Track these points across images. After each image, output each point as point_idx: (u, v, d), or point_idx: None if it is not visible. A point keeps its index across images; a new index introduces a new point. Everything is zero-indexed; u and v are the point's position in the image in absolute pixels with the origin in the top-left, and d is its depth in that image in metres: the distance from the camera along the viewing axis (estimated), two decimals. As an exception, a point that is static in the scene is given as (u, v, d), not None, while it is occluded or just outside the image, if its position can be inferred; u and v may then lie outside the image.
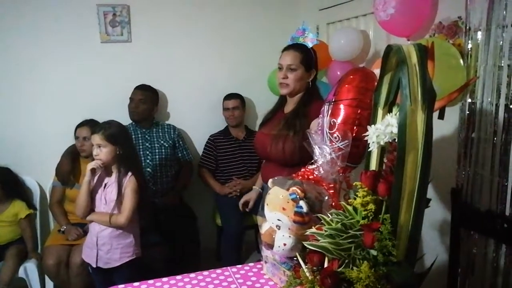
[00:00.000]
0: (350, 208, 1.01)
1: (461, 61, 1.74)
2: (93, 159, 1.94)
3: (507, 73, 1.59)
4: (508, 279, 1.63)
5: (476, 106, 1.74)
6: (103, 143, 1.90)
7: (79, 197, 1.94)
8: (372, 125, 1.05)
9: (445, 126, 1.87)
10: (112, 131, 1.92)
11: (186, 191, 2.94)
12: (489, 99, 1.68)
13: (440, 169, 1.92)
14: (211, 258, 2.92)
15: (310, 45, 1.87)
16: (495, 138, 1.66)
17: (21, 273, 2.37)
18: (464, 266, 1.80)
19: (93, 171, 1.92)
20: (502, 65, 1.61)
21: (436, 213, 1.95)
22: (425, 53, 0.88)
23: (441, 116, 1.87)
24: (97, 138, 1.90)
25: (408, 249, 0.90)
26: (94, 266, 1.98)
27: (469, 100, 1.76)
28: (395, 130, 0.92)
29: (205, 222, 3.01)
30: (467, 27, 1.73)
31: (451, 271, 1.78)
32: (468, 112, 1.77)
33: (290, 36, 1.92)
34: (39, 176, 2.72)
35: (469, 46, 1.73)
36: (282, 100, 2.01)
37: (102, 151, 1.90)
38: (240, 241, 2.66)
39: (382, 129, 0.96)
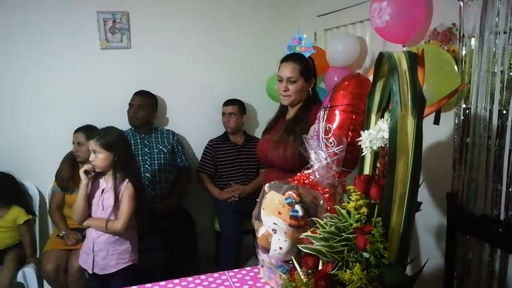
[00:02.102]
0: (343, 211, 1.03)
1: (455, 67, 1.76)
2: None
3: (500, 79, 1.61)
4: (504, 284, 1.64)
5: (470, 112, 1.76)
6: (98, 149, 1.92)
7: (76, 202, 1.96)
8: (366, 130, 1.08)
9: (441, 131, 1.89)
10: (108, 138, 1.94)
11: (184, 196, 2.95)
12: (483, 105, 1.70)
13: (436, 173, 1.94)
14: (210, 263, 2.93)
15: (307, 54, 1.90)
16: (489, 143, 1.68)
17: (19, 277, 2.38)
18: (460, 270, 1.81)
19: (87, 173, 1.94)
20: (495, 71, 1.63)
21: (432, 217, 1.96)
22: (415, 60, 0.90)
23: (436, 121, 1.91)
24: (92, 144, 1.93)
25: (399, 252, 0.92)
26: (90, 272, 1.99)
27: (464, 106, 1.78)
28: (386, 135, 0.94)
29: (204, 227, 3.02)
30: (461, 34, 1.75)
31: (447, 275, 1.79)
32: (462, 118, 1.79)
33: (287, 45, 1.95)
34: (39, 181, 2.74)
35: (463, 52, 1.76)
36: (284, 108, 2.04)
37: (97, 157, 1.92)
38: (238, 246, 2.67)
39: (374, 134, 0.98)
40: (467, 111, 1.77)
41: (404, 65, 0.90)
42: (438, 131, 1.90)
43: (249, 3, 3.13)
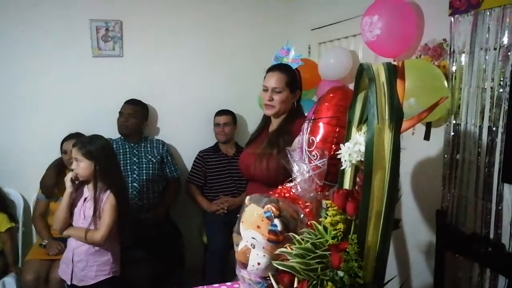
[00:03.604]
0: (320, 227, 0.99)
1: (446, 83, 1.74)
2: None
3: (490, 95, 1.59)
4: (493, 305, 1.59)
5: (460, 128, 1.73)
6: (79, 158, 1.89)
7: (59, 210, 1.92)
8: (346, 143, 1.04)
9: (431, 147, 1.86)
10: (90, 147, 1.90)
11: (172, 207, 2.91)
12: (473, 121, 1.68)
13: (425, 190, 1.91)
14: (197, 276, 2.87)
15: (294, 65, 1.88)
16: (479, 160, 1.65)
17: None
18: (449, 289, 1.76)
19: (72, 182, 1.90)
20: (486, 87, 1.61)
21: (422, 235, 1.92)
22: (394, 72, 0.88)
23: (427, 137, 1.88)
24: (74, 152, 1.90)
25: (375, 271, 0.88)
26: (69, 283, 1.94)
27: (454, 122, 1.76)
28: (362, 148, 0.91)
29: (191, 239, 2.97)
30: (452, 49, 1.74)
31: (436, 294, 1.74)
32: (453, 134, 1.77)
33: (274, 55, 1.93)
34: (24, 188, 2.70)
35: (454, 68, 1.74)
36: (267, 120, 2.00)
37: (79, 166, 1.89)
38: (225, 260, 2.61)
39: (351, 147, 0.95)
40: (457, 127, 1.75)
41: (382, 76, 0.87)
42: (428, 147, 1.87)
43: (243, 14, 3.13)
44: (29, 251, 2.50)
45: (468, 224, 1.71)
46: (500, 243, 1.55)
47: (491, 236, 1.60)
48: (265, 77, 1.91)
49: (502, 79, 1.53)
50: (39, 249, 2.43)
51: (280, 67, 1.87)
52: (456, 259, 1.75)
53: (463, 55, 1.70)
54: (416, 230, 1.94)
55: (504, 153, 1.54)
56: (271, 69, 1.90)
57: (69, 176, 1.91)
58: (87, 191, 1.95)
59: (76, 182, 1.93)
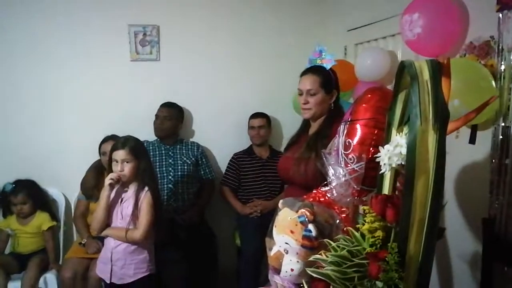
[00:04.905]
0: (357, 234, 0.94)
1: (493, 83, 1.63)
2: None
3: (542, 96, 1.48)
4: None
5: (510, 130, 1.62)
6: (129, 158, 1.91)
7: (97, 212, 1.96)
8: (385, 146, 0.99)
9: (477, 151, 1.76)
10: (137, 148, 1.95)
11: (207, 209, 2.92)
12: (523, 123, 1.56)
13: (471, 197, 1.80)
14: (230, 278, 2.86)
15: (328, 66, 1.83)
16: (530, 165, 1.53)
17: (41, 283, 2.42)
18: (498, 305, 1.64)
19: (112, 185, 1.93)
20: (537, 86, 1.50)
21: (467, 245, 1.81)
22: (439, 70, 0.82)
23: (472, 141, 1.77)
24: (122, 154, 1.91)
25: (418, 283, 0.82)
26: (108, 281, 1.98)
27: (503, 124, 1.64)
28: (404, 151, 0.85)
29: (225, 242, 2.96)
30: (500, 47, 1.63)
31: (483, 310, 1.63)
32: (501, 137, 1.65)
33: (308, 58, 1.89)
34: (66, 188, 2.80)
35: (502, 67, 1.63)
36: (306, 124, 1.97)
37: (127, 166, 1.91)
38: (259, 263, 2.58)
39: (391, 150, 0.89)
40: (507, 130, 1.63)
41: (426, 74, 0.81)
42: (474, 151, 1.76)
43: (279, 16, 3.11)
44: (69, 249, 2.59)
45: (518, 234, 1.59)
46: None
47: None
48: (299, 81, 1.88)
49: (555, 77, 1.41)
50: (78, 247, 2.51)
51: (312, 69, 1.85)
52: (505, 272, 1.63)
53: (513, 53, 1.59)
54: (461, 239, 1.82)
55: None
56: (305, 72, 1.88)
57: (108, 180, 1.92)
58: (123, 191, 1.98)
59: (116, 185, 1.95)
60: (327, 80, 1.82)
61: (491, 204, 1.69)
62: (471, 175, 1.80)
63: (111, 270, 1.97)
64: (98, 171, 2.57)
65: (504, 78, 1.62)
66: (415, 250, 0.81)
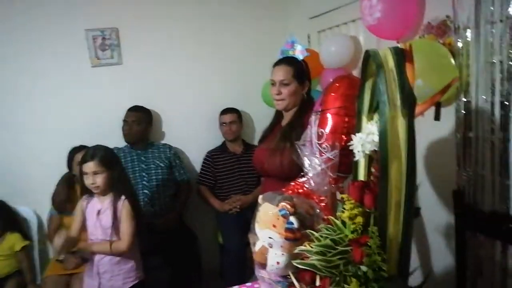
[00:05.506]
0: (338, 222, 0.96)
1: (453, 60, 1.69)
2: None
3: (499, 69, 1.55)
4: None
5: (471, 105, 1.69)
6: (100, 169, 1.86)
7: (71, 232, 1.91)
8: (357, 134, 1.01)
9: (442, 127, 1.82)
10: (107, 158, 1.90)
11: (185, 211, 2.89)
12: (484, 97, 1.63)
13: (439, 171, 1.87)
14: (215, 276, 2.86)
15: (300, 57, 1.85)
16: (493, 137, 1.61)
17: (20, 306, 2.34)
18: (472, 269, 1.73)
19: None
20: (494, 61, 1.56)
21: (440, 218, 1.88)
22: (403, 56, 0.84)
23: (437, 117, 1.84)
24: (92, 166, 1.85)
25: (400, 263, 0.85)
26: None
27: (464, 99, 1.71)
28: (376, 138, 0.88)
29: (207, 241, 2.95)
30: (456, 26, 1.69)
31: (459, 276, 1.71)
32: (464, 112, 1.72)
33: (280, 50, 1.90)
34: (36, 205, 2.69)
35: (460, 44, 1.69)
36: (279, 115, 1.98)
37: (99, 178, 1.86)
38: (242, 258, 2.59)
39: (365, 138, 0.92)
40: (468, 105, 1.70)
41: (390, 62, 0.84)
42: (439, 127, 1.83)
43: (240, 10, 3.10)
44: (47, 268, 2.50)
45: (486, 202, 1.67)
46: (521, 219, 1.51)
47: (511, 213, 1.56)
48: (272, 72, 1.89)
49: (511, 51, 1.48)
50: (56, 264, 2.43)
51: (285, 60, 1.86)
52: (477, 239, 1.72)
53: (468, 30, 1.65)
54: (434, 213, 1.90)
55: (518, 127, 1.49)
56: (277, 63, 1.89)
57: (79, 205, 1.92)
58: (99, 203, 1.93)
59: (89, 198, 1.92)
60: (300, 71, 1.84)
61: (459, 176, 1.76)
62: (438, 150, 1.86)
63: (99, 284, 1.92)
64: (68, 184, 2.49)
65: (462, 55, 1.68)
66: (395, 232, 0.84)
